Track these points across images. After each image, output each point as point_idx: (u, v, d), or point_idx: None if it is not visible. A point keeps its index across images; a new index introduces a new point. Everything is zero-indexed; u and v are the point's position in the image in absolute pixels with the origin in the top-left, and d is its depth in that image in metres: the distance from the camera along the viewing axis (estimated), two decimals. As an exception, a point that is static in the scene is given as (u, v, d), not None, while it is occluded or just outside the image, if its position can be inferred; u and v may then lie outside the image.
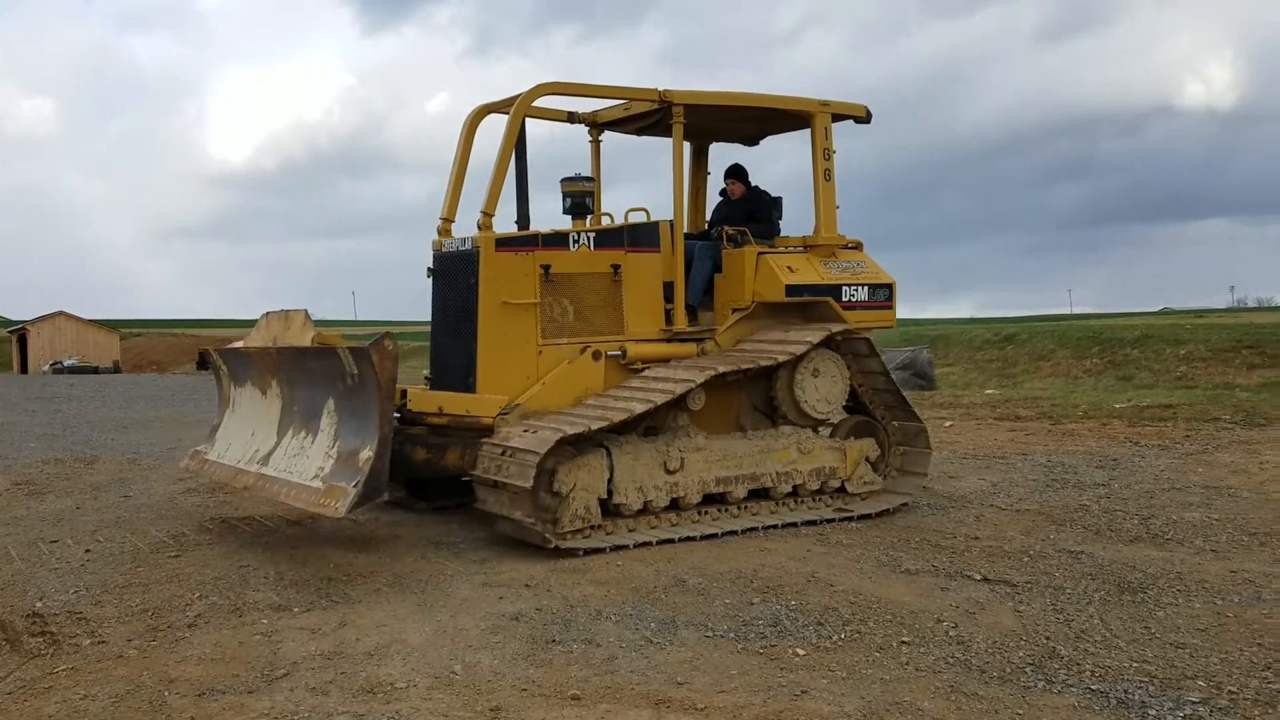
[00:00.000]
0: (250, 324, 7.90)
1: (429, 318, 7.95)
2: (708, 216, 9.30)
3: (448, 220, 7.82)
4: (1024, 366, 24.27)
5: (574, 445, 6.72)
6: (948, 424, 13.76)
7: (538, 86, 7.38)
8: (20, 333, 54.08)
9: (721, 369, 7.27)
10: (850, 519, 7.58)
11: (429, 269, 7.85)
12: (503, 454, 6.56)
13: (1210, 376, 20.15)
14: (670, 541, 6.83)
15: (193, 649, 4.92)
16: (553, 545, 6.45)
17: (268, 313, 7.40)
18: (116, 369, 50.68)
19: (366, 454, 6.16)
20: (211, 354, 8.34)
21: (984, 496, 8.56)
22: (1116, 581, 5.87)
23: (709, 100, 8.00)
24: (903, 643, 4.89)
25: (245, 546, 6.98)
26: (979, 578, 6.00)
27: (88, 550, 6.91)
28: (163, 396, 24.50)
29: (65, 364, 49.20)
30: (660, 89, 7.75)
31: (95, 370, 48.34)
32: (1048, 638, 4.94)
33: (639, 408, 6.82)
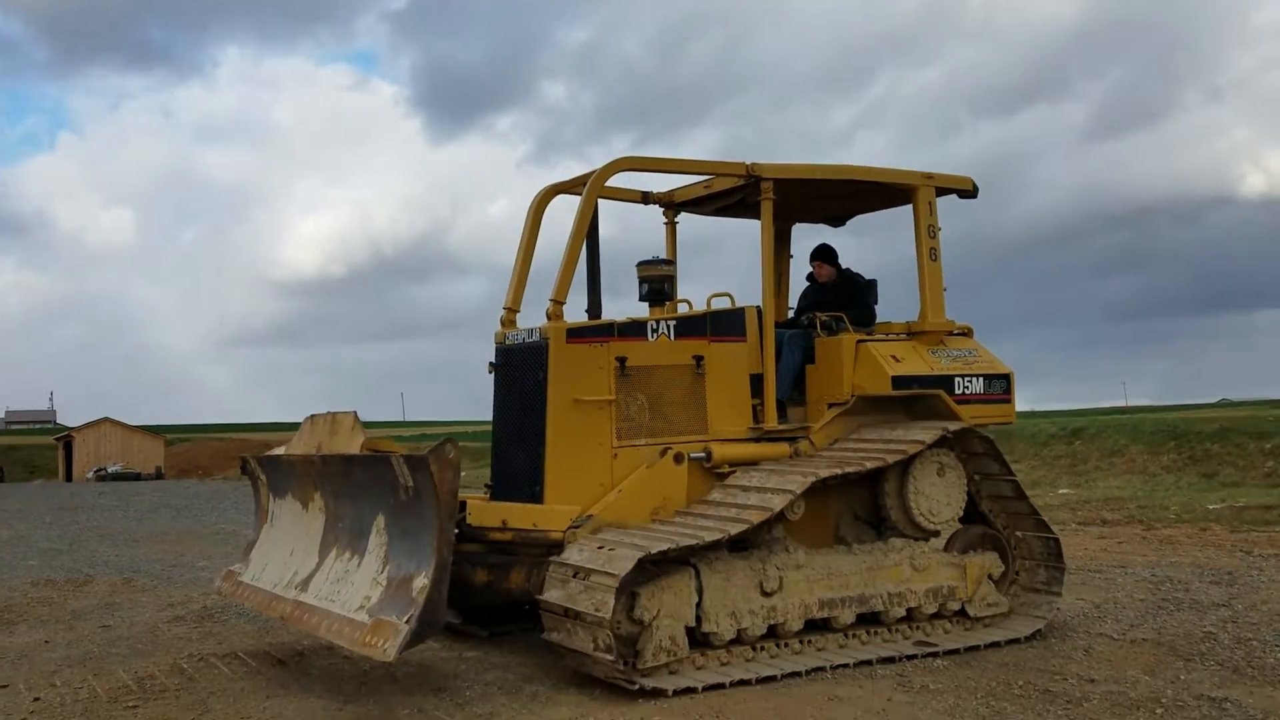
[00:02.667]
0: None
1: (484, 417, 7.04)
2: (791, 304, 8.43)
3: (512, 310, 7.10)
4: (1096, 463, 22.71)
5: (656, 565, 5.77)
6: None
7: (614, 162, 6.69)
8: (66, 439, 54.15)
9: (825, 473, 6.29)
10: (935, 654, 6.36)
11: (490, 363, 7.02)
12: (575, 575, 5.60)
13: (1305, 472, 18.58)
14: (773, 679, 5.83)
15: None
16: (637, 686, 5.48)
17: (313, 415, 6.51)
18: (159, 475, 50.36)
19: (421, 582, 5.25)
20: (249, 461, 7.41)
21: (1088, 622, 7.28)
22: (1286, 744, 4.61)
23: (801, 174, 7.22)
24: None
25: (217, 693, 5.91)
26: (1107, 739, 4.76)
27: (37, 699, 5.90)
28: (189, 506, 23.70)
29: (109, 470, 48.95)
30: (748, 163, 6.97)
31: (137, 477, 48.00)
32: (1221, 836, 3.71)
33: (733, 529, 5.91)
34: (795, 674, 5.90)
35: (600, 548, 5.73)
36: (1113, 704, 5.31)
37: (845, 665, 6.07)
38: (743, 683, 5.72)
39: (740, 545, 6.23)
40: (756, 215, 7.17)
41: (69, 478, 51.28)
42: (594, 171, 6.71)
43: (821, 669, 5.98)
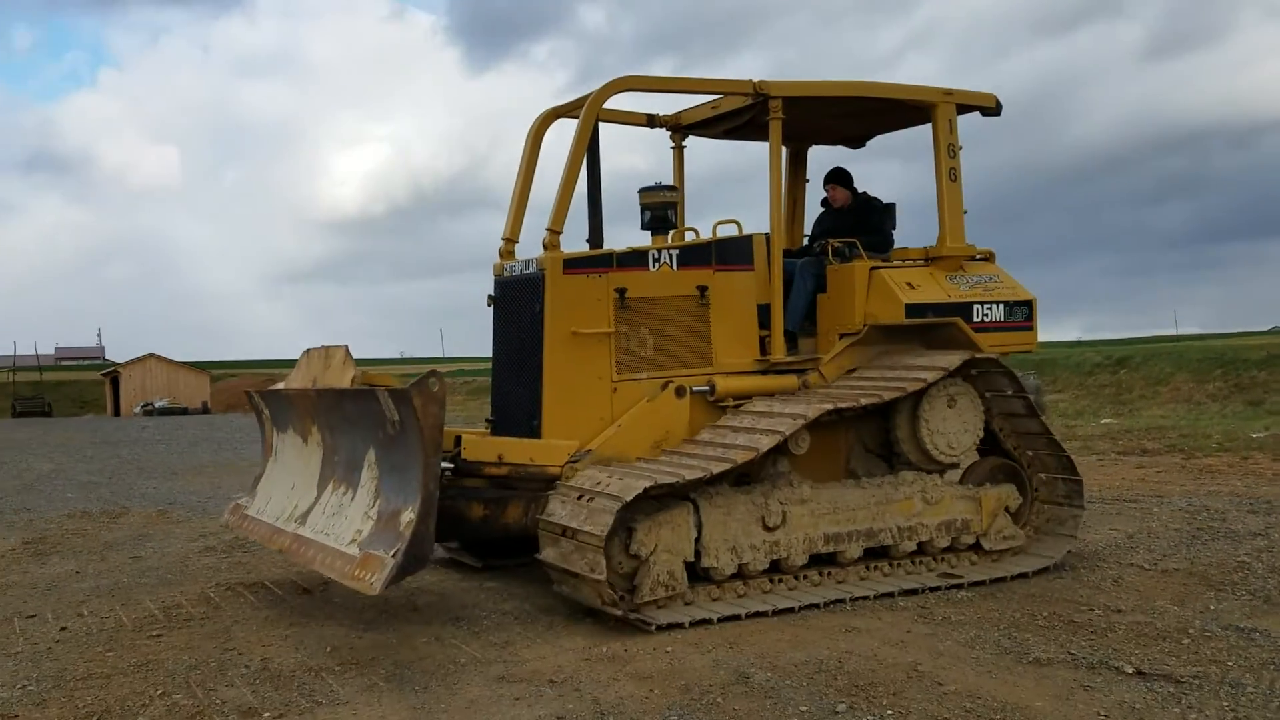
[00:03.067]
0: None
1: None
2: (807, 231, 8.15)
3: (510, 241, 6.93)
4: (1140, 392, 22.39)
5: (654, 499, 5.65)
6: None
7: (612, 82, 6.45)
8: (113, 375, 55.15)
9: (834, 405, 6.10)
10: (959, 586, 6.26)
11: (489, 296, 6.90)
12: (563, 534, 5.52)
13: (1353, 400, 18.19)
14: (791, 610, 5.75)
15: (122, 774, 3.89)
16: (653, 627, 5.41)
17: (309, 350, 6.45)
18: (205, 410, 51.16)
19: (408, 516, 5.20)
20: (254, 396, 7.38)
21: (1120, 552, 7.14)
22: (1314, 675, 4.49)
23: (812, 91, 6.91)
24: (1040, 777, 3.61)
25: (241, 621, 5.98)
26: (1130, 670, 4.66)
27: (64, 628, 5.98)
28: (230, 439, 24.02)
29: (156, 405, 49.80)
30: (755, 80, 6.68)
31: (184, 411, 48.79)
32: (1242, 770, 3.61)
33: (718, 467, 5.72)
34: (814, 606, 5.83)
35: (580, 498, 5.59)
36: (1138, 634, 5.19)
37: (865, 598, 5.99)
38: (759, 614, 5.67)
39: (744, 479, 6.12)
40: (766, 137, 6.92)
41: (117, 413, 52.31)
42: (591, 93, 6.47)
43: (840, 601, 5.91)
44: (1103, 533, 7.77)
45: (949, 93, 7.23)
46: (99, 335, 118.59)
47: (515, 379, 6.59)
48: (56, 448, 22.03)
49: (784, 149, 8.19)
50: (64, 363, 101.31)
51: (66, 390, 60.63)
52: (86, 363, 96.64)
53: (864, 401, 6.22)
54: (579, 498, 5.61)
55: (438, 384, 5.16)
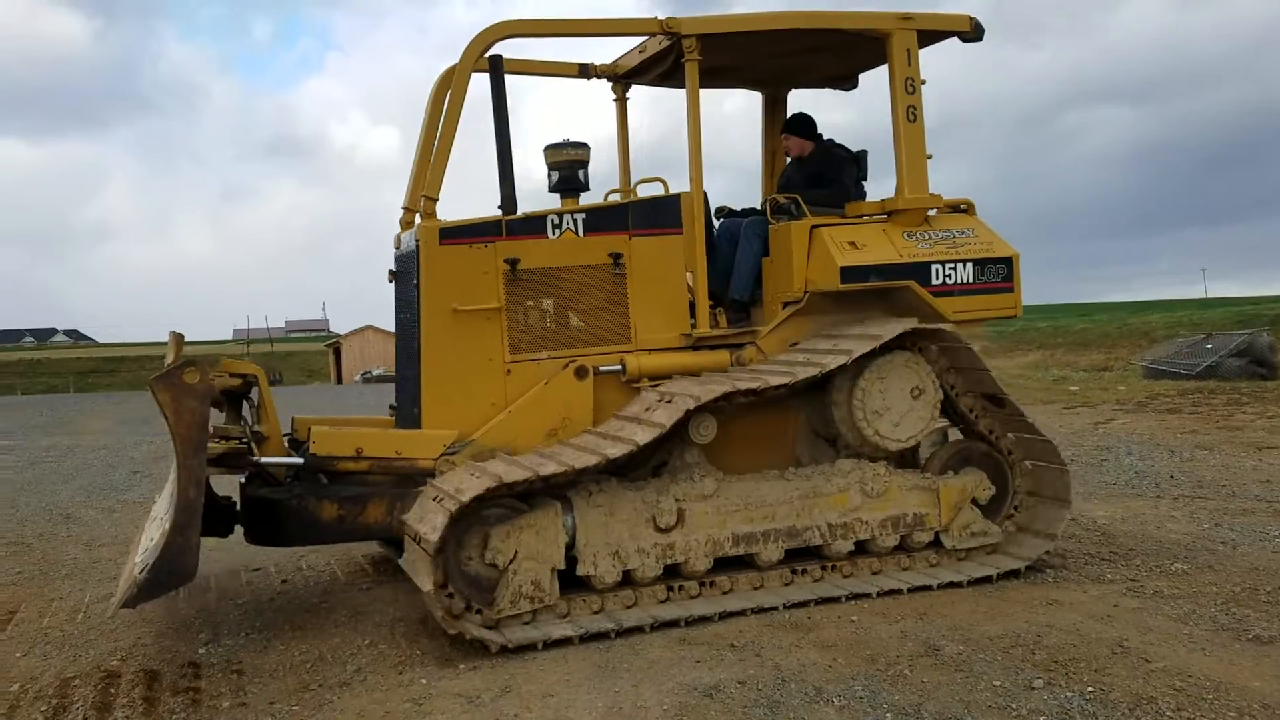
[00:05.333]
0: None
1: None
2: None
3: (411, 211, 6.13)
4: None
5: (521, 498, 5.09)
6: (1300, 423, 11.26)
7: (490, 29, 5.66)
8: (335, 346, 58.73)
9: (668, 420, 5.13)
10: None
11: (390, 272, 6.31)
12: (415, 540, 4.92)
13: None
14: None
15: (334, 716, 4.13)
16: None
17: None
18: (419, 377, 53.72)
19: (166, 526, 4.57)
20: None
21: (1361, 524, 6.55)
22: None
23: (731, 27, 5.91)
24: (1257, 765, 3.35)
25: (442, 578, 6.24)
26: (1366, 651, 4.27)
27: (284, 580, 6.44)
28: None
29: (374, 373, 52.68)
30: (662, 18, 5.82)
31: (400, 378, 51.42)
32: None
33: (547, 469, 4.96)
34: (1013, 573, 5.60)
35: (414, 541, 4.91)
36: (1377, 614, 4.75)
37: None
38: (953, 585, 5.47)
39: (660, 470, 5.52)
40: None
41: (339, 380, 55.71)
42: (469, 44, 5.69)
43: (1041, 572, 5.64)
44: (1342, 503, 7.14)
45: (906, 18, 6.12)
46: (323, 309, 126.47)
47: (406, 362, 5.99)
48: (284, 415, 23.57)
49: (760, 96, 7.42)
50: (293, 334, 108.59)
51: (295, 360, 65.04)
52: (313, 334, 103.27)
53: (741, 386, 5.31)
54: (414, 539, 4.93)
55: (196, 374, 4.52)
